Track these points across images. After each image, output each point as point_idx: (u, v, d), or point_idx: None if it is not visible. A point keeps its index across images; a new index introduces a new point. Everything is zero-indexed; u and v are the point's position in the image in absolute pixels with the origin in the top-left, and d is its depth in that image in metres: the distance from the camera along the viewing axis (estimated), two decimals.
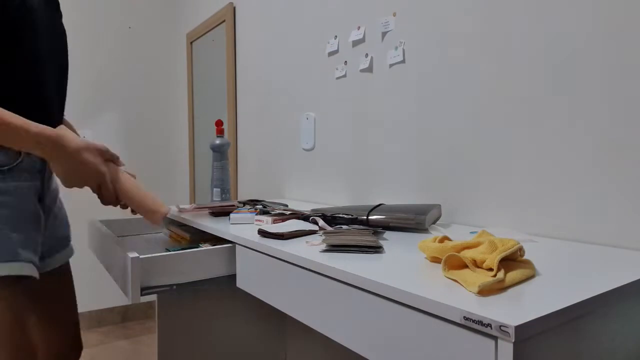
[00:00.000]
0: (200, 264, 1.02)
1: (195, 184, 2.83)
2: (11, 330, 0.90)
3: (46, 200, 1.03)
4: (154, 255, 0.97)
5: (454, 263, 0.63)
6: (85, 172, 0.93)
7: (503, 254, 0.60)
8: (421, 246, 0.73)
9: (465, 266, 0.62)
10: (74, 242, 1.22)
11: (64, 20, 1.12)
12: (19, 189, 0.92)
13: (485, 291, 0.55)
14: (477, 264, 0.62)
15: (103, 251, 1.24)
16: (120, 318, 2.94)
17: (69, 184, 0.93)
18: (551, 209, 0.95)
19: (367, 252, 0.79)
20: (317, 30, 1.64)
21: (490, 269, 0.59)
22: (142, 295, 0.94)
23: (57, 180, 1.10)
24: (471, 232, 0.97)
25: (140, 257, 0.95)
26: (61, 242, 1.12)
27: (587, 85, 0.88)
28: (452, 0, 1.14)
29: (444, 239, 0.73)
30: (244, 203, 1.45)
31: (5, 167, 0.90)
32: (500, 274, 0.57)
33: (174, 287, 0.99)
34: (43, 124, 0.89)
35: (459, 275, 0.60)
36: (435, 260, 0.70)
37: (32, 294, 0.97)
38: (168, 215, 1.44)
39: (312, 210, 1.17)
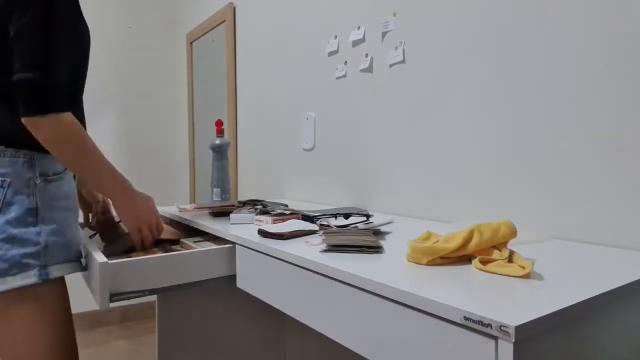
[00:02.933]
0: (199, 264, 1.02)
1: (195, 184, 2.83)
2: (72, 326, 1.02)
3: None
4: (123, 260, 0.95)
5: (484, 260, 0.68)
6: (144, 212, 1.06)
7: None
8: (415, 247, 0.71)
9: (491, 261, 0.67)
10: None
11: None
12: (72, 191, 1.04)
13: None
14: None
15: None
16: (120, 318, 2.94)
17: (133, 224, 1.06)
18: (551, 209, 0.95)
19: (367, 252, 0.79)
20: (317, 30, 1.64)
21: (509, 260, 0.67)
22: (111, 301, 0.92)
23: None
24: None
25: (110, 262, 0.92)
26: None
27: (587, 85, 0.88)
28: (452, 0, 1.14)
29: (430, 235, 0.77)
30: (244, 203, 1.45)
31: (63, 172, 1.01)
32: (524, 262, 0.64)
33: (147, 292, 0.96)
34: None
35: (496, 269, 0.65)
36: (432, 260, 0.70)
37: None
38: (168, 215, 1.44)
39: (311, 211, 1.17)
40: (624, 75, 0.83)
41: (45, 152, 0.95)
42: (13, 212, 0.91)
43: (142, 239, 1.07)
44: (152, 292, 0.97)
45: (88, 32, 1.07)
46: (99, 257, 0.92)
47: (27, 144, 0.93)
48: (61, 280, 0.98)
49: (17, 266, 0.90)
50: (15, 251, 0.90)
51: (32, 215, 0.93)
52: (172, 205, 2.69)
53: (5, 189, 0.92)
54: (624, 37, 0.83)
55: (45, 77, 0.89)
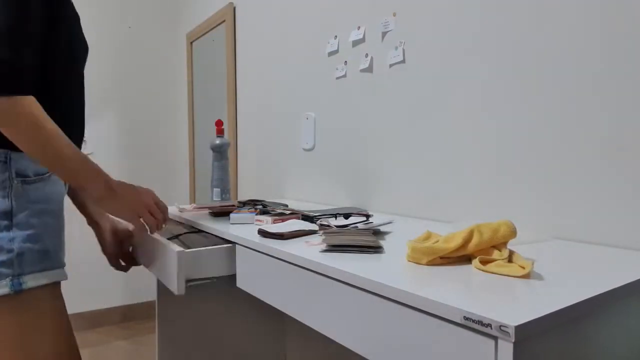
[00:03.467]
0: (199, 264, 1.02)
1: (195, 184, 2.83)
2: (68, 333, 0.95)
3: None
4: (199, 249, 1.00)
5: (484, 260, 0.68)
6: (135, 197, 0.98)
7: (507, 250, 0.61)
8: (415, 247, 0.71)
9: (491, 261, 0.67)
10: (70, 244, 1.22)
11: None
12: (57, 194, 0.97)
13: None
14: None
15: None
16: (120, 318, 2.94)
17: (126, 216, 0.99)
18: (551, 209, 0.95)
19: (367, 252, 0.79)
20: (317, 30, 1.64)
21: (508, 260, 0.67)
22: (186, 286, 0.97)
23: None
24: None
25: (186, 251, 0.98)
26: None
27: (587, 85, 0.88)
28: (452, 0, 1.14)
29: (430, 235, 0.77)
30: (244, 203, 1.45)
31: (46, 174, 0.93)
32: (523, 262, 0.64)
33: (215, 279, 1.02)
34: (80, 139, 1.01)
35: (495, 269, 0.65)
36: (432, 259, 0.70)
37: (60, 295, 0.98)
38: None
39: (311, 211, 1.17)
40: (624, 75, 0.83)
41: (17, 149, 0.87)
42: None
43: (148, 225, 1.01)
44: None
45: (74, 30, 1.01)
46: (175, 247, 0.97)
47: (1, 141, 0.85)
48: (45, 288, 0.90)
49: None
50: None
51: (6, 219, 0.86)
52: (172, 205, 2.69)
53: None
54: (624, 37, 0.83)
55: (10, 58, 0.80)
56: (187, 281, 0.98)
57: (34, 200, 0.90)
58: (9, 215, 0.86)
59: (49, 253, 0.91)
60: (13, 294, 0.85)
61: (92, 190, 0.92)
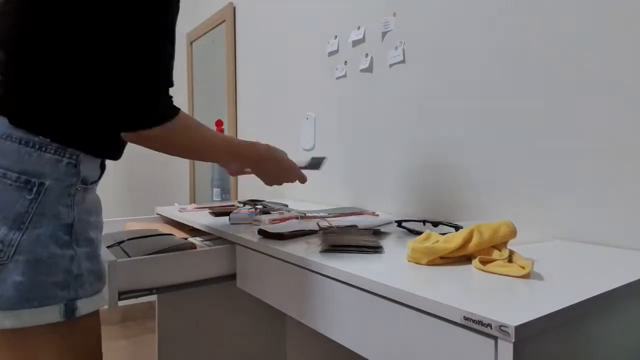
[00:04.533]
0: (199, 264, 1.02)
1: (195, 184, 2.83)
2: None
3: None
4: (133, 259, 0.95)
5: (484, 260, 0.68)
6: (277, 175, 1.04)
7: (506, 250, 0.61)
8: (415, 247, 0.71)
9: (491, 261, 0.67)
10: None
11: None
12: (99, 203, 0.85)
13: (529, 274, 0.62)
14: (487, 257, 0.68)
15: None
16: (120, 318, 2.94)
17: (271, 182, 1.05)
18: (550, 209, 0.95)
19: (367, 252, 0.79)
20: (317, 30, 1.64)
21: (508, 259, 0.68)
22: (119, 300, 0.91)
23: None
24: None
25: (119, 260, 0.92)
26: None
27: (587, 85, 0.88)
28: (452, 0, 1.14)
29: (430, 235, 0.76)
30: (244, 203, 1.45)
31: (97, 181, 0.82)
32: (523, 262, 0.64)
33: (153, 291, 0.96)
34: None
35: (495, 269, 0.65)
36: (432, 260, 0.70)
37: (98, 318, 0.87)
38: (168, 215, 1.44)
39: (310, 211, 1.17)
40: (624, 74, 0.83)
41: (92, 153, 0.77)
42: (45, 227, 0.70)
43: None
44: (158, 290, 0.97)
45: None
46: (108, 257, 0.91)
47: (76, 140, 0.74)
48: (94, 314, 0.77)
49: (39, 298, 0.69)
50: (41, 279, 0.69)
51: (68, 234, 0.72)
52: (172, 205, 2.70)
53: (40, 195, 0.70)
54: (624, 37, 0.83)
55: (170, 107, 0.77)
56: (120, 294, 0.90)
57: (89, 210, 0.78)
58: (70, 229, 0.73)
59: (101, 274, 0.79)
60: (64, 322, 0.72)
61: (247, 160, 0.99)
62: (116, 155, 0.83)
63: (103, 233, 1.26)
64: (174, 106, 0.79)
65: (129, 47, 0.72)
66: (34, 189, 0.70)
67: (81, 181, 0.75)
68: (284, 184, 1.08)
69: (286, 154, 1.05)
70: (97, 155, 0.78)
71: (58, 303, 0.71)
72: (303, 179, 1.09)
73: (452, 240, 0.69)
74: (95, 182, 0.81)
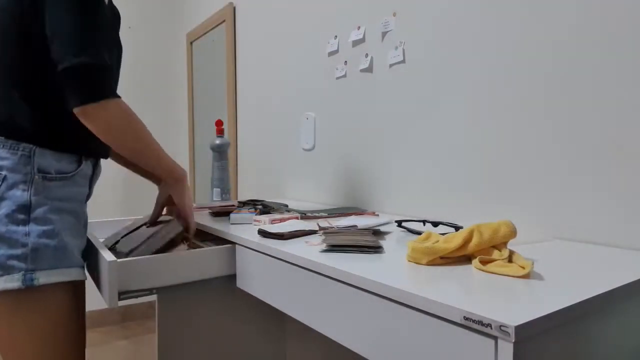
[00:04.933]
0: (199, 264, 1.02)
1: (195, 184, 2.83)
2: (77, 333, 0.95)
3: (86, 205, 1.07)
4: (133, 259, 0.95)
5: (484, 260, 0.68)
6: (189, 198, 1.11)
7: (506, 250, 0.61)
8: (415, 248, 0.71)
9: (491, 261, 0.67)
10: None
11: None
12: (78, 195, 0.97)
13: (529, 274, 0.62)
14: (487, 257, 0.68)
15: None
16: (120, 318, 2.94)
17: (187, 205, 1.09)
18: (551, 209, 0.95)
19: (367, 252, 0.79)
20: (317, 30, 1.64)
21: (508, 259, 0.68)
22: (119, 299, 0.92)
23: None
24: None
25: (118, 260, 0.92)
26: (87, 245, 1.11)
27: (587, 85, 0.88)
28: (452, 0, 1.14)
29: (430, 235, 0.76)
30: (244, 203, 1.45)
31: (69, 174, 0.94)
32: (523, 262, 0.64)
33: (153, 291, 0.97)
34: None
35: (495, 269, 0.64)
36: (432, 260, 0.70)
37: (75, 294, 0.97)
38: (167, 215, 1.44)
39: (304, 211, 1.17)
40: (624, 74, 0.83)
41: (51, 147, 0.91)
42: (4, 208, 0.85)
43: (190, 225, 1.09)
44: (158, 290, 0.98)
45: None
46: (108, 256, 0.92)
47: (28, 136, 0.89)
48: (57, 286, 0.89)
49: (2, 268, 0.84)
50: (1, 252, 0.84)
51: (24, 213, 0.86)
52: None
53: (1, 183, 0.86)
54: (624, 36, 0.83)
55: (95, 61, 0.83)
56: (120, 294, 0.92)
57: (54, 197, 0.90)
58: (27, 209, 0.86)
59: (65, 250, 0.90)
60: (24, 289, 0.84)
61: (173, 184, 1.05)
62: (83, 150, 0.95)
63: (104, 233, 1.27)
64: (112, 91, 0.88)
65: (55, 28, 0.84)
66: None
67: (38, 170, 0.89)
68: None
69: None
70: (56, 149, 0.91)
71: (17, 272, 0.84)
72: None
73: (452, 240, 0.69)
74: (68, 174, 0.93)
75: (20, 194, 0.87)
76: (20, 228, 0.85)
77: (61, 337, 0.91)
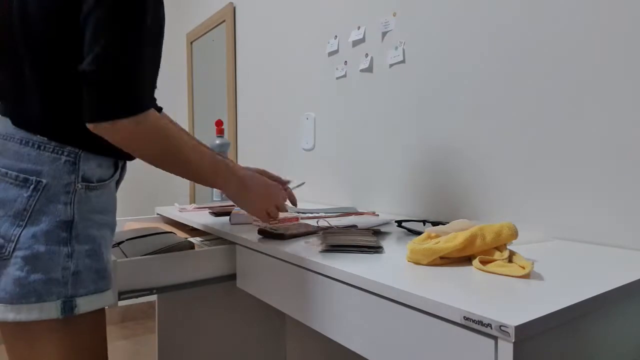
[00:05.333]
0: (199, 264, 1.02)
1: (195, 184, 2.83)
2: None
3: None
4: (135, 258, 0.95)
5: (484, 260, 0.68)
6: (260, 200, 0.96)
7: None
8: (414, 249, 0.71)
9: (491, 261, 0.68)
10: None
11: None
12: (113, 203, 0.86)
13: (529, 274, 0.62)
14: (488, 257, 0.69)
15: None
16: (120, 318, 2.94)
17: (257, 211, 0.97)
18: (551, 209, 0.95)
19: (367, 252, 0.79)
20: (317, 30, 1.64)
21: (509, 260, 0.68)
22: (119, 300, 0.92)
23: None
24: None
25: (119, 260, 0.93)
26: None
27: (588, 85, 0.88)
28: (452, 0, 1.14)
29: (429, 235, 0.76)
30: None
31: (107, 181, 0.82)
32: (524, 262, 0.65)
33: (154, 291, 0.97)
34: None
35: (496, 269, 0.65)
36: (434, 260, 0.70)
37: (103, 319, 0.86)
38: (168, 215, 1.43)
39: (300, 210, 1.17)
40: (624, 74, 0.83)
41: (94, 151, 0.78)
42: (43, 224, 0.72)
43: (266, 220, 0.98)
44: (158, 290, 0.97)
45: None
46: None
47: (74, 138, 0.75)
48: (96, 313, 0.79)
49: (37, 294, 0.71)
50: (38, 275, 0.71)
51: (66, 231, 0.74)
52: (172, 205, 2.70)
53: (39, 193, 0.72)
54: (624, 36, 0.83)
55: (125, 66, 0.70)
56: (120, 294, 0.92)
57: (94, 209, 0.78)
58: (69, 226, 0.74)
59: (105, 272, 0.79)
60: (62, 319, 0.73)
61: (226, 190, 0.91)
62: (123, 153, 0.81)
63: None
64: (143, 103, 0.74)
65: (102, 48, 0.70)
66: (32, 187, 0.72)
67: (82, 179, 0.76)
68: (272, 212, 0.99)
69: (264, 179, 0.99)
70: (99, 153, 0.78)
71: (55, 300, 0.72)
72: (293, 198, 1.04)
73: (453, 240, 0.69)
74: (106, 181, 0.81)
75: (62, 208, 0.74)
76: (62, 248, 0.73)
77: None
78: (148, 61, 0.76)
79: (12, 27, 0.74)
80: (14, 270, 0.70)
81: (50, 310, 0.72)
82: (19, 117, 0.74)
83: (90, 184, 0.78)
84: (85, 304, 0.75)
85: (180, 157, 0.81)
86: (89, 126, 0.71)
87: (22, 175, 0.72)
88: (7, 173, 0.72)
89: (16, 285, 0.70)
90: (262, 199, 0.96)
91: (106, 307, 0.92)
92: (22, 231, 0.71)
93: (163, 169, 0.81)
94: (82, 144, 0.76)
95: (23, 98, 0.74)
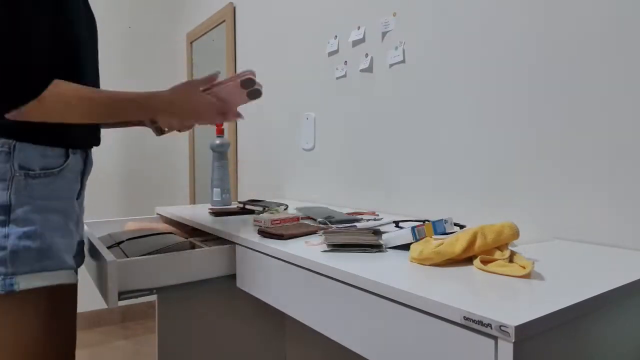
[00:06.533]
0: (199, 264, 1.02)
1: (195, 184, 2.83)
2: (55, 338, 0.88)
3: (80, 202, 1.00)
4: (134, 259, 0.95)
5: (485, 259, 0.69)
6: (194, 106, 0.93)
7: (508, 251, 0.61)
8: (422, 252, 0.71)
9: (491, 260, 0.68)
10: None
11: None
12: (68, 191, 0.91)
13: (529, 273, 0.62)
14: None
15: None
16: (120, 318, 2.94)
17: (188, 122, 0.96)
18: (551, 209, 0.95)
19: (368, 251, 0.79)
20: (317, 30, 1.64)
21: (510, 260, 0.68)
22: (119, 300, 0.92)
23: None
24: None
25: (119, 260, 0.93)
26: (80, 246, 1.03)
27: (588, 85, 0.88)
28: (452, 0, 1.14)
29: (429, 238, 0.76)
30: (244, 203, 1.45)
31: (56, 169, 0.88)
32: (524, 262, 0.65)
33: (153, 291, 0.97)
34: None
35: (496, 269, 0.65)
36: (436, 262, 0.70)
37: (62, 298, 0.91)
38: (168, 215, 1.43)
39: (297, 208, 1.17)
40: (624, 75, 0.83)
41: (33, 141, 0.84)
42: None
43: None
44: (158, 290, 0.97)
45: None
46: (108, 257, 0.92)
47: (6, 130, 0.82)
48: (40, 290, 0.83)
49: None
50: None
51: (3, 214, 0.81)
52: (172, 205, 2.70)
53: None
54: (624, 37, 0.83)
55: (9, 63, 0.76)
56: (120, 294, 0.92)
57: (37, 196, 0.85)
58: (6, 209, 0.81)
59: (50, 252, 0.85)
60: (4, 295, 0.79)
61: (156, 115, 0.92)
62: (69, 141, 0.88)
63: (104, 233, 1.27)
64: (37, 82, 0.79)
65: None
66: None
67: (19, 167, 0.83)
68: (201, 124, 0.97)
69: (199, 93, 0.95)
70: (40, 143, 0.85)
71: None
72: (232, 116, 1.00)
73: (456, 244, 0.69)
74: (54, 169, 0.87)
75: None
76: (0, 229, 0.80)
77: (41, 352, 0.85)
78: (32, 41, 0.80)
79: None
80: None
81: None
82: None
83: (31, 172, 0.84)
84: (25, 281, 0.81)
85: (93, 104, 0.83)
86: (8, 117, 0.78)
87: None
88: None
89: None
90: (190, 114, 0.94)
91: (104, 308, 0.94)
92: None
93: (85, 122, 0.84)
94: (15, 135, 0.83)
95: None
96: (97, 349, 2.53)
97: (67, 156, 0.90)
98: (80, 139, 0.92)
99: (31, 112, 0.78)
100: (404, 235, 0.81)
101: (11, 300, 0.80)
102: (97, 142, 0.98)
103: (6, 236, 0.80)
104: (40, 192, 0.85)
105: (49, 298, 0.85)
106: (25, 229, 0.82)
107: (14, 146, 0.83)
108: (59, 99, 0.81)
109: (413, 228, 0.80)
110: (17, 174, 0.82)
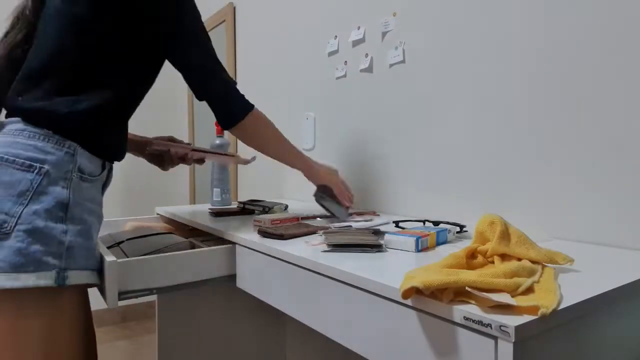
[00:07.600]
0: (199, 264, 1.02)
1: (195, 184, 2.83)
2: (81, 335, 0.91)
3: None
4: (133, 259, 0.95)
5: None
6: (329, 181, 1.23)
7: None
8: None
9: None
10: None
11: None
12: (99, 198, 0.99)
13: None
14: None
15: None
16: (120, 318, 2.94)
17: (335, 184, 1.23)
18: (550, 209, 0.95)
19: (369, 251, 0.79)
20: (317, 30, 1.64)
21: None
22: (119, 300, 0.93)
23: None
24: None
25: (119, 260, 0.93)
26: None
27: (588, 85, 0.88)
28: (452, 0, 1.14)
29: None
30: (244, 203, 1.45)
31: (96, 177, 0.95)
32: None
33: (154, 291, 0.97)
34: None
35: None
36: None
37: (86, 297, 0.97)
38: (166, 214, 1.43)
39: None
40: (625, 75, 0.83)
41: (89, 149, 0.91)
42: (44, 203, 0.83)
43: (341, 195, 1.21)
44: (158, 290, 0.97)
45: None
46: (108, 257, 0.92)
47: (74, 135, 0.89)
48: (79, 289, 0.89)
49: (35, 263, 0.80)
50: (37, 247, 0.81)
51: (62, 211, 0.85)
52: (172, 205, 2.70)
53: (41, 177, 0.84)
54: (624, 36, 0.83)
55: (229, 79, 1.03)
56: (120, 294, 0.93)
57: (86, 198, 0.91)
58: (65, 207, 0.86)
59: (94, 252, 0.91)
60: (56, 287, 0.83)
61: (305, 172, 1.21)
62: (111, 155, 0.98)
63: (103, 233, 1.27)
64: (248, 102, 1.12)
65: (190, 59, 0.99)
66: (36, 171, 0.84)
67: (78, 169, 0.89)
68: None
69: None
70: (91, 152, 0.92)
71: (51, 270, 0.82)
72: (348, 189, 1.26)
73: (499, 275, 0.54)
74: (96, 176, 0.94)
75: (60, 191, 0.85)
76: (59, 225, 0.84)
77: (75, 342, 0.89)
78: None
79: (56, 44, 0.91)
80: (15, 242, 0.79)
81: (47, 279, 0.81)
82: (30, 117, 0.87)
83: (83, 175, 0.90)
84: (74, 277, 0.85)
85: (280, 141, 1.16)
86: (230, 131, 1.06)
87: (27, 162, 0.83)
88: (15, 160, 0.83)
89: (16, 255, 0.79)
90: (328, 179, 1.22)
91: (103, 307, 0.96)
92: (24, 209, 0.81)
93: (266, 152, 1.13)
94: (80, 141, 0.89)
95: (37, 100, 0.88)
96: (97, 349, 2.53)
97: (104, 167, 0.97)
98: (117, 153, 1.00)
99: (247, 126, 1.07)
100: (406, 243, 0.81)
101: (56, 294, 0.84)
102: (122, 158, 1.04)
103: (65, 232, 0.85)
104: (87, 194, 0.92)
105: (82, 294, 0.91)
106: (79, 227, 0.88)
107: (77, 150, 0.89)
108: (266, 121, 1.13)
109: (418, 238, 0.80)
110: (75, 176, 0.89)
